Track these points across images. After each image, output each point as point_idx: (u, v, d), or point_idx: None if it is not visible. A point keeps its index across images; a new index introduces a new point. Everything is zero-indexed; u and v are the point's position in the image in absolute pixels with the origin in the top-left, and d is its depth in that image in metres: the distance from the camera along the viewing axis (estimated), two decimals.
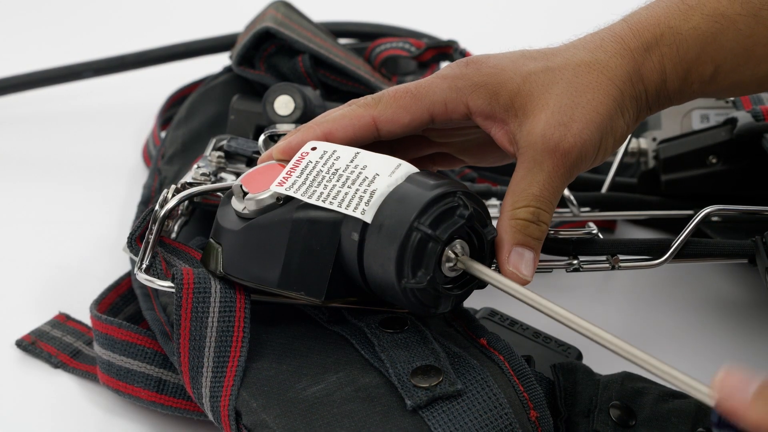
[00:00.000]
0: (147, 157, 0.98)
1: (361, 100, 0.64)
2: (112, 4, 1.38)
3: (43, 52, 1.18)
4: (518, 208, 0.60)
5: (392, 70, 0.99)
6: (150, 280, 0.64)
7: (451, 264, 0.58)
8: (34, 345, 0.74)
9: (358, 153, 0.60)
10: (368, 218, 0.57)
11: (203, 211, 0.73)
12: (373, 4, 1.28)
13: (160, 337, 0.66)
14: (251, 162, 0.74)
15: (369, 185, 0.58)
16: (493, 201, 0.81)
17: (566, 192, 0.80)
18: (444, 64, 1.01)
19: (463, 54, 0.97)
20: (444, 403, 0.57)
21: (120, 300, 0.75)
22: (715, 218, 0.78)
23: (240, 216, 0.62)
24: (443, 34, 1.03)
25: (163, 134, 0.97)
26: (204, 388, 0.61)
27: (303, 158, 0.60)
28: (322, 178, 0.59)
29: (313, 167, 0.60)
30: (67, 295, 0.80)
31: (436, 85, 0.62)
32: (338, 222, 0.59)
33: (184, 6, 1.37)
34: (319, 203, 0.58)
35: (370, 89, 0.88)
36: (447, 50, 0.96)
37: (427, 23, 1.09)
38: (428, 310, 0.59)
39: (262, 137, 0.72)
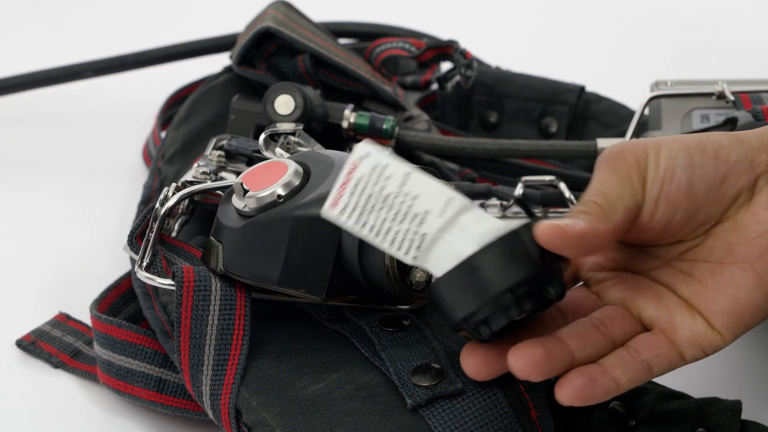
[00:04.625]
0: (147, 157, 0.98)
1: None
2: (112, 4, 1.38)
3: (43, 52, 1.17)
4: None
5: (392, 70, 0.99)
6: (150, 278, 0.64)
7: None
8: (34, 345, 0.74)
9: (408, 175, 0.55)
10: (420, 263, 0.54)
11: (203, 210, 0.73)
12: (373, 4, 1.28)
13: (160, 335, 0.66)
14: (251, 161, 0.74)
15: (419, 226, 0.54)
16: (494, 201, 0.81)
17: (567, 192, 0.79)
18: (444, 65, 1.02)
19: (464, 54, 0.97)
20: (444, 402, 0.57)
21: (120, 300, 0.75)
22: None
23: (241, 214, 0.62)
24: (443, 34, 1.03)
25: (163, 134, 0.97)
26: (204, 386, 0.61)
27: (353, 172, 0.55)
28: (373, 205, 0.54)
29: (364, 187, 0.54)
30: (67, 295, 0.80)
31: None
32: None
33: (184, 6, 1.37)
34: (371, 239, 0.54)
35: (371, 89, 0.88)
36: (447, 50, 0.96)
37: (427, 23, 1.09)
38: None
39: (262, 136, 0.73)
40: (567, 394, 0.53)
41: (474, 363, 0.56)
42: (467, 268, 0.52)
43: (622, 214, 0.54)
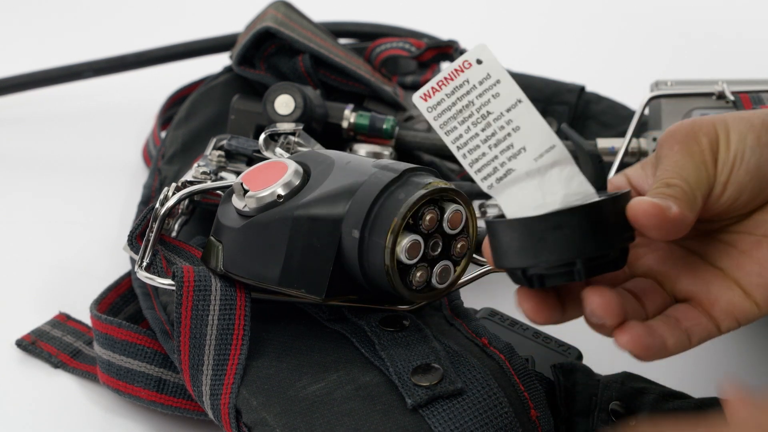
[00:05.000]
0: (147, 157, 0.98)
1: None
2: (112, 5, 1.38)
3: (43, 52, 1.18)
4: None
5: (392, 70, 0.99)
6: (150, 278, 0.64)
7: None
8: (34, 345, 0.74)
9: (519, 102, 0.51)
10: (494, 194, 0.52)
11: (203, 210, 0.73)
12: (373, 4, 1.28)
13: (160, 335, 0.66)
14: (251, 161, 0.74)
15: (510, 159, 0.51)
16: (494, 201, 0.81)
17: None
18: (444, 65, 1.01)
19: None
20: (444, 401, 0.57)
21: (120, 300, 0.75)
22: None
23: (240, 213, 0.62)
24: (443, 34, 1.03)
25: (163, 134, 0.97)
26: (204, 386, 0.61)
27: (461, 71, 0.51)
28: (469, 115, 0.51)
29: (466, 92, 0.51)
30: (67, 295, 0.80)
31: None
32: (339, 219, 0.59)
33: (184, 6, 1.37)
34: (452, 148, 0.51)
35: (371, 89, 0.88)
36: (447, 50, 0.96)
37: (427, 23, 1.09)
38: None
39: (262, 136, 0.73)
40: (627, 339, 0.52)
41: (531, 306, 0.54)
42: (548, 223, 0.50)
43: (700, 202, 0.54)
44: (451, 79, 0.51)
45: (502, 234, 0.51)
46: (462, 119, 0.51)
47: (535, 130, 0.51)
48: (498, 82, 0.51)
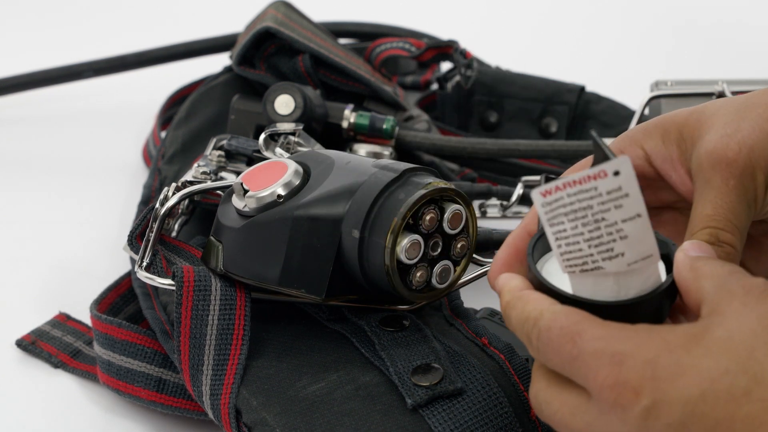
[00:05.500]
0: (147, 157, 0.98)
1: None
2: (112, 5, 1.38)
3: (43, 52, 1.17)
4: (694, 233, 0.53)
5: (392, 70, 0.99)
6: (150, 278, 0.64)
7: None
8: (34, 345, 0.74)
9: (639, 216, 0.48)
10: (567, 288, 0.51)
11: (203, 210, 0.73)
12: (373, 4, 1.28)
13: (160, 335, 0.66)
14: (251, 161, 0.74)
15: (604, 260, 0.49)
16: (493, 201, 0.81)
17: None
18: (444, 65, 1.02)
19: (464, 54, 0.97)
20: (444, 401, 0.57)
21: (120, 300, 0.75)
22: None
23: (240, 213, 0.62)
24: (443, 34, 1.03)
25: (163, 134, 0.97)
26: (204, 386, 0.61)
27: (593, 179, 0.48)
28: (582, 216, 0.48)
29: (589, 198, 0.48)
30: (67, 295, 0.80)
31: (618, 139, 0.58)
32: (339, 219, 0.59)
33: (184, 6, 1.37)
34: (550, 238, 0.49)
35: (371, 89, 0.88)
36: (447, 50, 0.96)
37: (427, 23, 1.09)
38: None
39: (262, 136, 0.73)
40: None
41: None
42: (606, 312, 0.49)
43: (743, 240, 0.53)
44: (580, 184, 0.48)
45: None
46: (573, 218, 0.49)
47: (641, 241, 0.49)
48: (626, 195, 0.48)
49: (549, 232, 0.49)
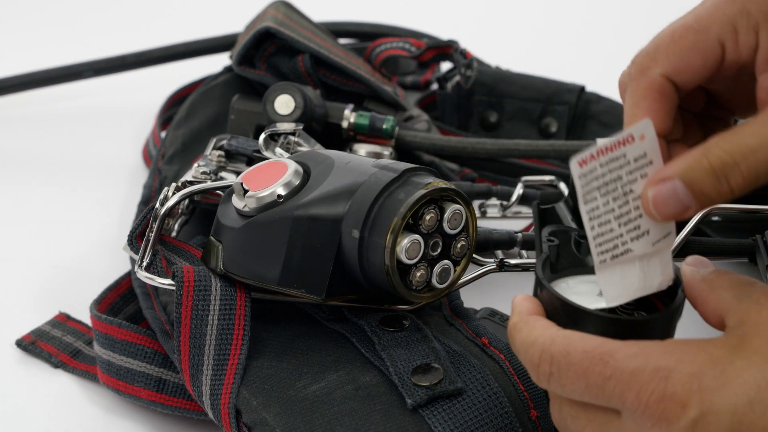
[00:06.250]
0: (147, 157, 0.99)
1: (631, 70, 0.55)
2: (112, 5, 1.38)
3: (43, 52, 1.18)
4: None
5: (392, 70, 0.99)
6: (150, 278, 0.64)
7: None
8: (34, 345, 0.74)
9: None
10: (601, 269, 0.51)
11: (203, 210, 0.73)
12: (373, 4, 1.28)
13: (160, 335, 0.66)
14: (251, 161, 0.74)
15: (632, 240, 0.50)
16: (493, 201, 0.81)
17: (566, 192, 0.79)
18: (444, 65, 1.02)
19: (464, 54, 0.97)
20: (444, 401, 0.57)
21: (120, 300, 0.75)
22: (715, 218, 0.78)
23: (240, 213, 0.62)
24: (443, 34, 1.03)
25: (163, 134, 0.97)
26: (204, 386, 0.61)
27: (623, 145, 0.49)
28: (613, 189, 0.50)
29: (620, 166, 0.49)
30: (67, 295, 0.80)
31: (722, 10, 0.53)
32: (339, 219, 0.59)
33: (184, 6, 1.37)
34: (584, 219, 0.50)
35: (371, 89, 0.88)
36: (447, 50, 0.96)
37: (427, 23, 1.09)
38: None
39: (262, 136, 0.73)
40: None
41: None
42: (628, 328, 0.50)
43: None
44: (611, 150, 0.49)
45: (589, 323, 0.51)
46: (605, 191, 0.50)
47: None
48: (650, 163, 0.50)
49: (584, 211, 0.50)
